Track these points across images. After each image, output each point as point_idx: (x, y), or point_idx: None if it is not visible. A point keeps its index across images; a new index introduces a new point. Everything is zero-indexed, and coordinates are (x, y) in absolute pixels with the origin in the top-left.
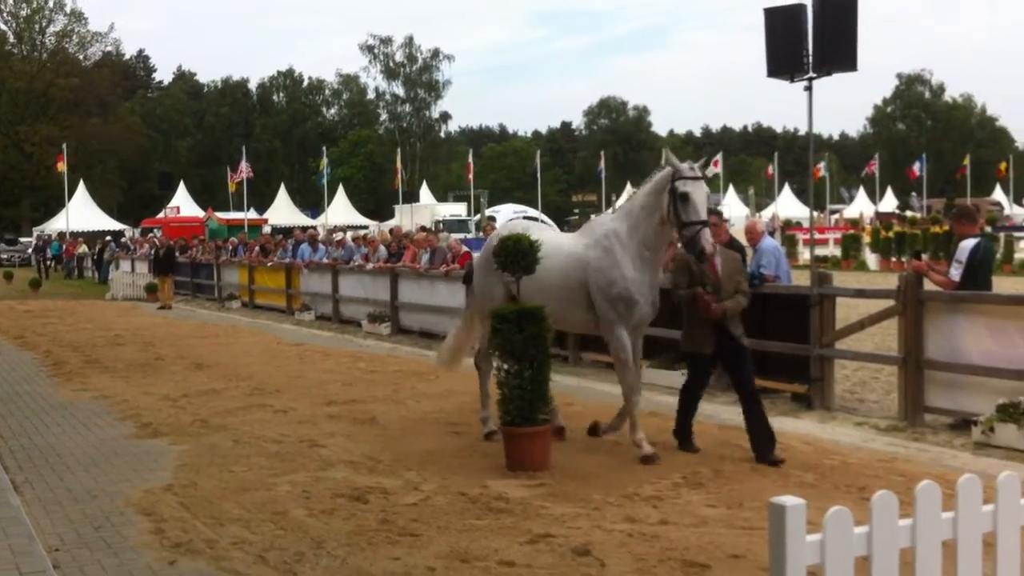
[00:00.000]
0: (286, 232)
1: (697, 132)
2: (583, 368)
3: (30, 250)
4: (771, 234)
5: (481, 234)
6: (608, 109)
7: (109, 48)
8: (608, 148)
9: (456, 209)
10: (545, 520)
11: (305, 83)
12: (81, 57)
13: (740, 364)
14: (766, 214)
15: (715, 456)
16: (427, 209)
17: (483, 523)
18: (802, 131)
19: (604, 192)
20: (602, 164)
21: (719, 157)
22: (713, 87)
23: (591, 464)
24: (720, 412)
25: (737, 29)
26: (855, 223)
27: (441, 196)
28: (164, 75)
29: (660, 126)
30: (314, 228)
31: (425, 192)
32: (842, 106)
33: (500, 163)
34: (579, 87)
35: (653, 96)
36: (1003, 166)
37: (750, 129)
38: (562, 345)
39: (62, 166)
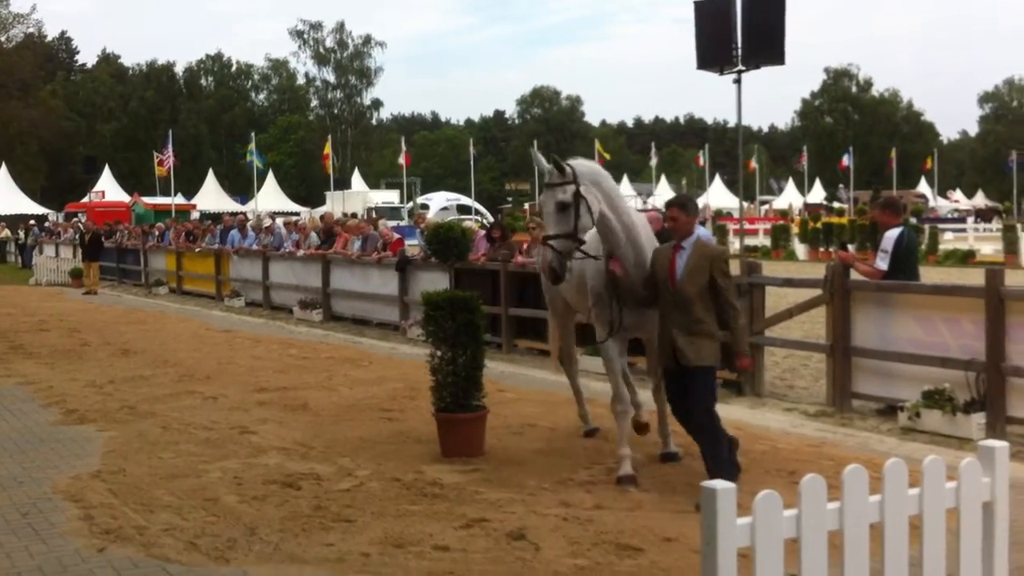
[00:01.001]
0: (215, 218)
1: (630, 123)
2: (517, 355)
3: None
4: (702, 224)
5: (413, 222)
6: (541, 98)
7: (31, 29)
8: (541, 137)
9: (389, 196)
10: (480, 505)
11: (233, 67)
12: (2, 39)
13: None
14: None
15: (648, 442)
16: (359, 196)
17: (417, 508)
18: (732, 123)
19: (537, 181)
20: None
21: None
22: (645, 79)
23: (526, 450)
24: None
25: (668, 22)
26: (784, 214)
27: (373, 183)
28: (88, 58)
29: (593, 116)
30: (243, 214)
31: (357, 179)
32: (771, 99)
33: (433, 151)
34: (512, 76)
35: (586, 86)
36: (929, 161)
37: (682, 120)
38: (496, 332)
39: None
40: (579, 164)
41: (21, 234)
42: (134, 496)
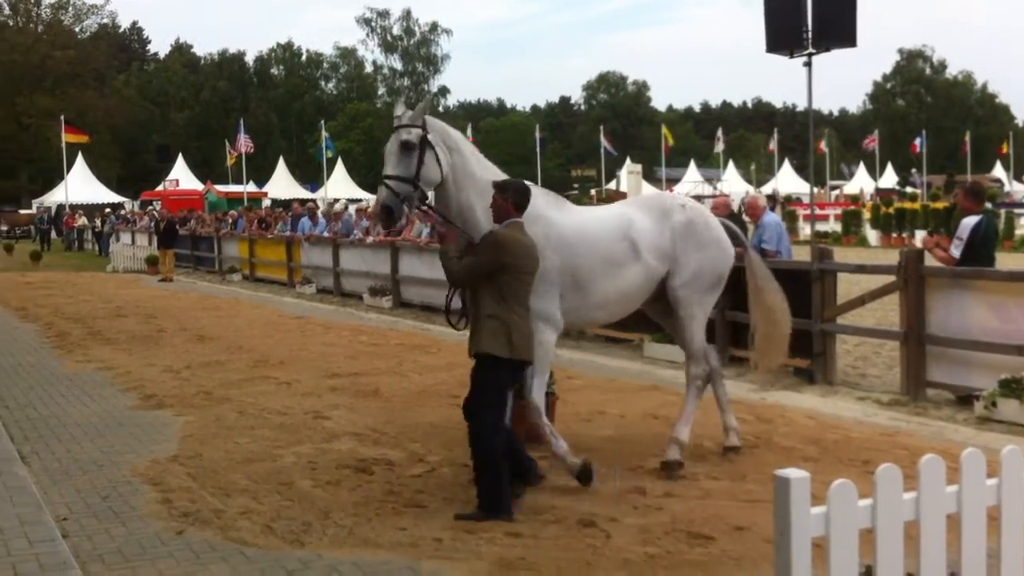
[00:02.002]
0: (285, 205)
1: (696, 107)
2: (586, 342)
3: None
4: (772, 209)
5: None
6: (607, 84)
7: (105, 20)
8: (607, 123)
9: None
10: (550, 492)
11: (303, 56)
12: (77, 29)
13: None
14: (766, 189)
15: (719, 429)
16: None
17: None
18: (801, 107)
19: (603, 167)
20: (602, 137)
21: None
22: (712, 62)
23: (595, 437)
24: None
25: (736, 5)
26: (855, 199)
27: None
28: (160, 48)
29: (659, 101)
30: (313, 201)
31: None
32: (841, 82)
33: (498, 137)
34: (578, 62)
35: (652, 71)
36: (1005, 145)
37: (749, 104)
38: None
39: (71, 137)
40: (436, 120)
41: (98, 222)
42: (211, 480)
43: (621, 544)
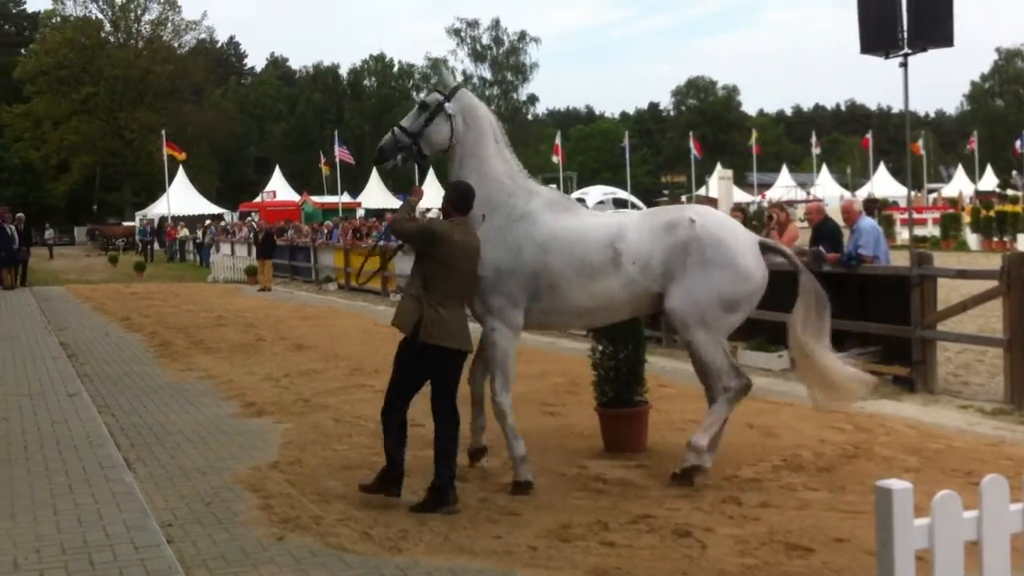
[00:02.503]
0: (379, 215)
1: (788, 111)
2: (678, 350)
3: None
4: (870, 214)
5: None
6: (696, 89)
7: (203, 35)
8: (697, 129)
9: None
10: (644, 501)
11: (395, 67)
12: (176, 45)
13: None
14: (861, 193)
15: (815, 439)
16: None
17: (582, 503)
18: (896, 108)
19: (694, 173)
20: (692, 143)
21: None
22: (804, 65)
23: None
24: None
25: (827, 6)
26: (954, 202)
27: None
28: (256, 61)
29: (750, 105)
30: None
31: None
32: (938, 82)
33: (588, 144)
34: (666, 67)
35: (743, 75)
36: None
37: (843, 107)
38: (656, 327)
39: (171, 151)
40: (468, 95)
41: (199, 234)
42: (310, 486)
43: (717, 555)
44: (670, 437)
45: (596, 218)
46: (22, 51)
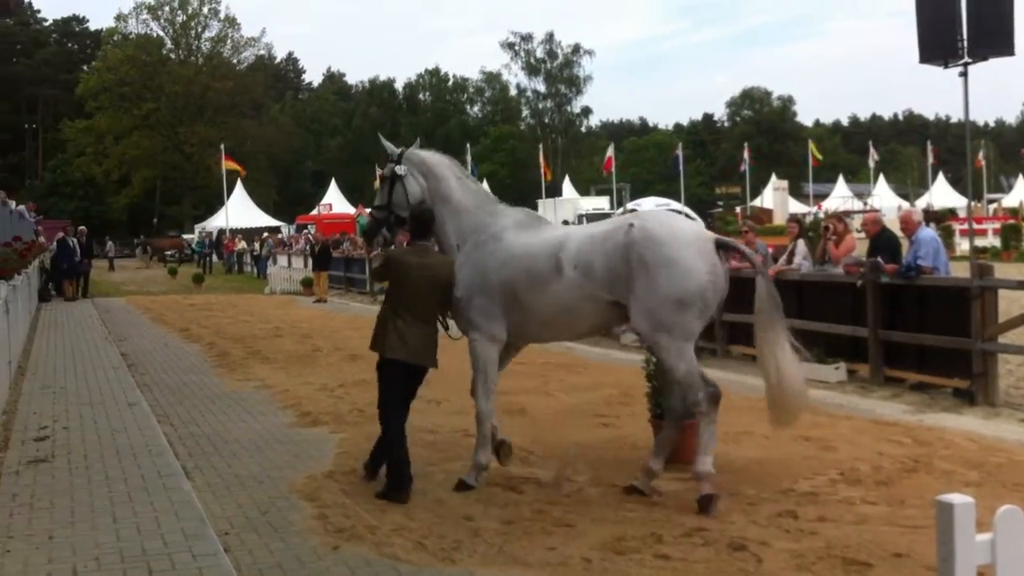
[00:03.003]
0: None
1: (845, 121)
2: (731, 361)
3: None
4: (928, 224)
5: None
6: (751, 100)
7: (261, 52)
8: (752, 139)
9: (599, 203)
10: (699, 514)
11: (450, 82)
12: (235, 61)
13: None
14: (920, 204)
15: (873, 452)
16: (570, 203)
17: (636, 515)
18: (955, 118)
19: (748, 184)
20: (746, 154)
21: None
22: (861, 75)
23: (743, 458)
24: (876, 407)
25: (884, 16)
26: (1015, 212)
27: (583, 190)
28: (314, 77)
29: (806, 116)
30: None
31: (568, 186)
32: (998, 91)
33: (641, 156)
34: (721, 78)
35: (798, 86)
36: None
37: (900, 117)
38: (709, 338)
39: (231, 165)
40: (414, 153)
41: (256, 246)
42: (365, 496)
43: (773, 569)
44: (725, 449)
45: (552, 232)
46: (85, 68)
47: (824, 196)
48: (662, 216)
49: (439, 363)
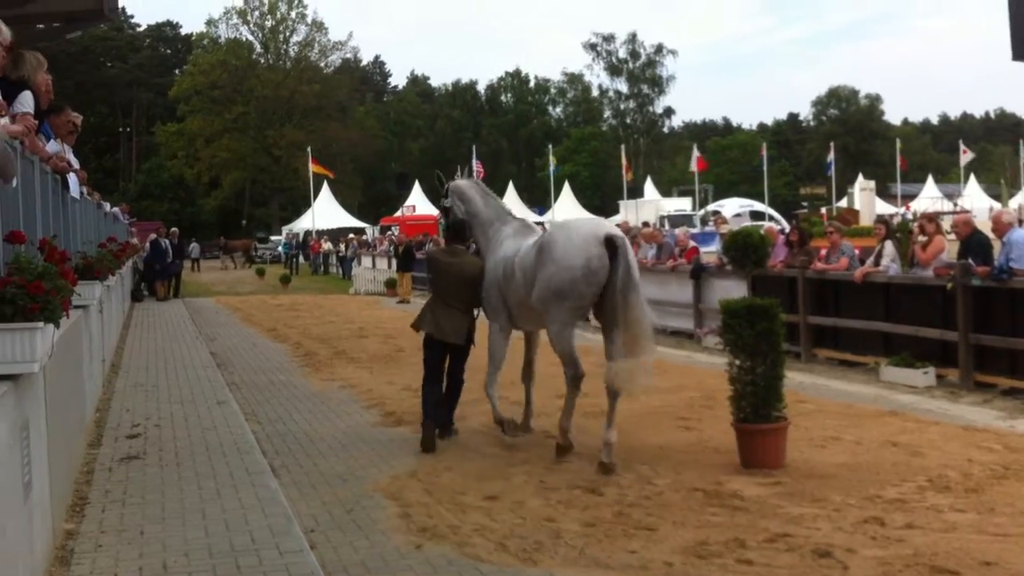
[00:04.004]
0: None
1: (934, 119)
2: (816, 365)
3: (280, 248)
4: (1021, 225)
5: (707, 228)
6: (838, 99)
7: (348, 55)
8: (838, 139)
9: (680, 204)
10: (782, 519)
11: (532, 83)
12: (322, 64)
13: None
14: (1012, 204)
15: (963, 458)
16: (651, 204)
17: (718, 520)
18: None
19: (834, 185)
20: (831, 156)
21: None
22: (950, 73)
23: (829, 464)
24: (965, 413)
25: (975, 11)
26: None
27: (665, 191)
28: (398, 79)
29: (894, 115)
30: (541, 225)
31: (649, 187)
32: None
33: (724, 157)
34: (806, 77)
35: (886, 84)
36: None
37: (992, 115)
38: (793, 341)
39: (318, 169)
40: (454, 185)
41: (342, 247)
42: (447, 496)
43: None
44: (809, 454)
45: (526, 240)
46: (177, 72)
47: (912, 196)
48: (572, 223)
49: (475, 341)
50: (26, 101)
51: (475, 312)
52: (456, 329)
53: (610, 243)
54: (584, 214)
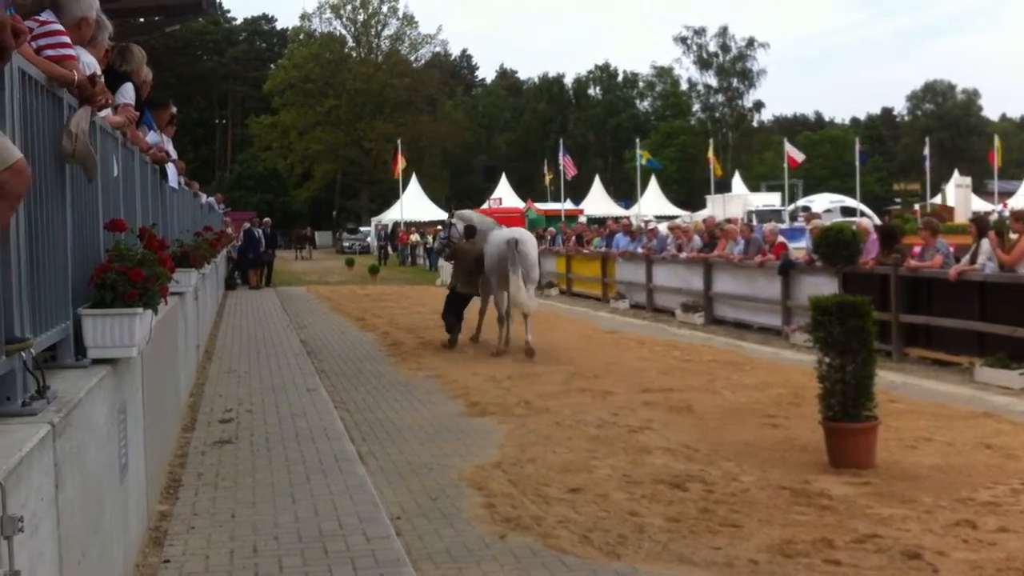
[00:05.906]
0: (600, 222)
1: None
2: (908, 364)
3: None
4: None
5: (796, 223)
6: (934, 93)
7: (437, 49)
8: (933, 134)
9: (769, 199)
10: (871, 520)
11: (620, 77)
12: (412, 58)
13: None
14: None
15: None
16: (739, 199)
17: (805, 519)
18: None
19: (929, 181)
20: (927, 151)
21: None
22: None
23: (920, 465)
24: None
25: None
26: None
27: (754, 186)
28: (487, 73)
29: (992, 110)
30: (627, 219)
31: (737, 182)
32: None
33: (816, 152)
34: (902, 71)
35: (984, 79)
36: None
37: None
38: (885, 339)
39: (402, 163)
40: (459, 212)
41: (429, 239)
42: (531, 487)
43: None
44: (900, 455)
45: (498, 232)
46: (272, 66)
47: (1010, 193)
48: (507, 230)
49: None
50: (127, 93)
51: (479, 278)
52: (471, 288)
53: (511, 242)
54: (671, 209)
